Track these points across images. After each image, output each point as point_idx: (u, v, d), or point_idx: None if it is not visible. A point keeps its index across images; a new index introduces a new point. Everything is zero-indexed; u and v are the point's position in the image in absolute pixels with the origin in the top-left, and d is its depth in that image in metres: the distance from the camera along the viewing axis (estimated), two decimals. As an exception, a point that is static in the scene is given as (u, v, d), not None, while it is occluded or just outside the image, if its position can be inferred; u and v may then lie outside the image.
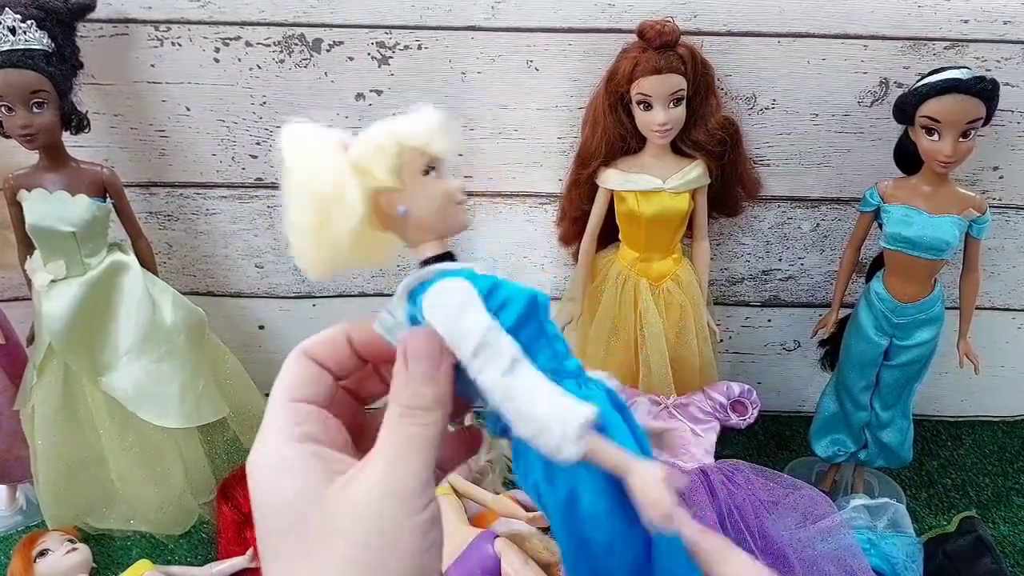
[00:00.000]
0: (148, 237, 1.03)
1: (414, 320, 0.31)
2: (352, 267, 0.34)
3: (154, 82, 1.02)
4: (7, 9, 0.85)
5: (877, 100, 1.01)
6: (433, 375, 0.29)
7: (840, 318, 1.08)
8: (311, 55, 0.99)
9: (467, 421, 0.32)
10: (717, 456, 1.00)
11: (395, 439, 0.28)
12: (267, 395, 1.13)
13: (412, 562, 0.26)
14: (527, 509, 0.96)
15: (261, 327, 1.23)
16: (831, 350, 1.12)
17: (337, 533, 0.26)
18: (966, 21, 0.96)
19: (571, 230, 1.06)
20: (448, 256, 0.33)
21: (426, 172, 0.32)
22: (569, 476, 0.30)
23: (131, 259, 0.99)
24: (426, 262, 0.33)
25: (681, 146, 0.97)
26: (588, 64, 0.99)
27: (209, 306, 1.09)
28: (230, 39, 0.99)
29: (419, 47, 0.99)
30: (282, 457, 0.28)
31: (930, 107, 0.88)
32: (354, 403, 0.33)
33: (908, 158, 0.96)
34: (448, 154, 0.32)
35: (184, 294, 1.04)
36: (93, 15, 0.92)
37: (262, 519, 0.28)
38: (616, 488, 0.29)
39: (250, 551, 1.00)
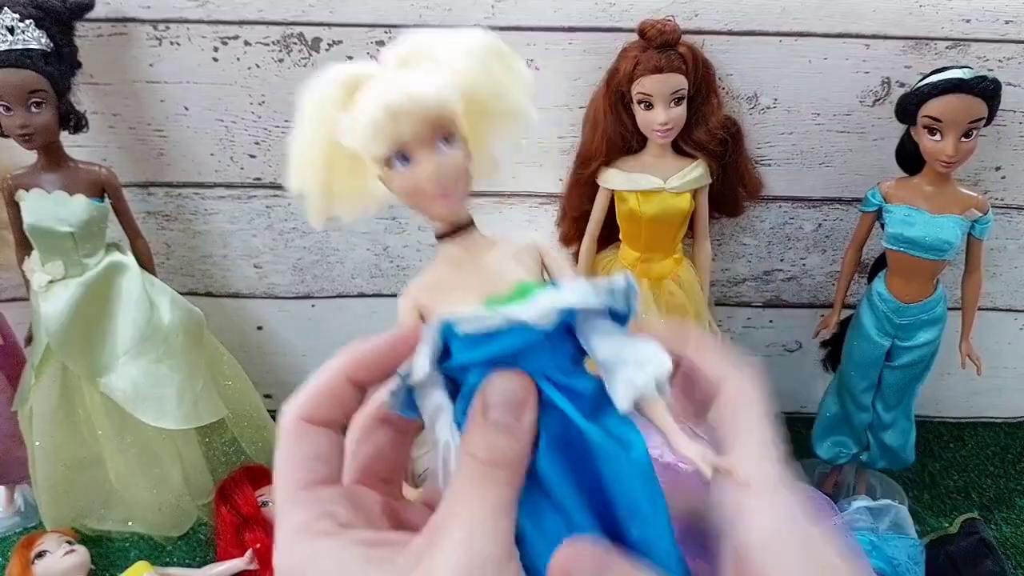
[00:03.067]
0: (146, 237, 1.03)
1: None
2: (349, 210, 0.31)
3: (152, 81, 1.01)
4: (5, 8, 0.85)
5: (879, 100, 1.01)
6: (514, 427, 0.25)
7: (842, 319, 1.08)
8: (310, 54, 0.99)
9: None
10: (718, 457, 0.99)
11: (476, 502, 0.24)
12: (266, 396, 1.12)
13: None
14: None
15: (260, 328, 1.22)
16: (833, 351, 1.11)
17: None
18: (968, 21, 0.96)
19: (571, 230, 1.06)
20: (460, 229, 0.29)
21: (388, 164, 0.28)
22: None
23: (129, 259, 0.99)
24: (440, 237, 0.30)
25: (682, 146, 0.97)
26: (588, 63, 0.98)
27: (207, 306, 1.09)
28: (229, 38, 0.98)
29: (419, 46, 0.98)
30: (312, 558, 0.23)
31: (932, 107, 0.87)
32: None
33: (910, 158, 0.95)
34: (418, 130, 0.27)
35: (182, 294, 1.04)
36: (91, 14, 0.92)
37: None
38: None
39: (249, 552, 0.99)
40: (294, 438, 0.26)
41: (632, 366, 0.27)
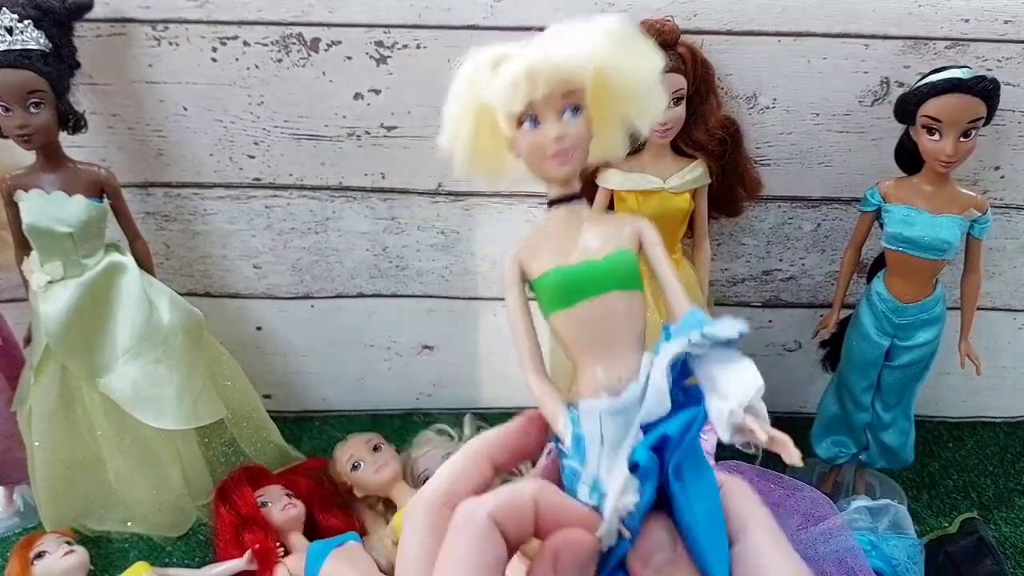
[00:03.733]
0: (145, 237, 1.03)
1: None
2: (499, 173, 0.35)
3: (151, 82, 1.01)
4: (4, 9, 0.85)
5: (878, 99, 1.01)
6: None
7: (841, 319, 1.08)
8: (309, 54, 0.99)
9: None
10: (718, 458, 0.99)
11: None
12: (266, 396, 1.12)
13: None
14: None
15: (259, 328, 1.22)
16: (832, 351, 1.11)
17: None
18: (967, 20, 0.96)
19: (571, 230, 1.06)
20: (569, 198, 0.32)
21: (519, 123, 0.32)
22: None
23: (128, 260, 0.99)
24: (551, 201, 0.33)
25: (681, 146, 0.97)
26: (588, 63, 0.98)
27: (207, 307, 1.09)
28: (228, 38, 0.98)
29: (418, 46, 0.99)
30: None
31: (931, 106, 0.87)
32: None
33: (909, 158, 0.95)
34: (549, 92, 0.30)
35: (182, 295, 1.04)
36: (90, 14, 0.92)
37: None
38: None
39: (248, 553, 0.99)
40: (477, 539, 0.25)
41: (718, 396, 0.29)
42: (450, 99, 0.32)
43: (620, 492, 0.28)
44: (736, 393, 0.28)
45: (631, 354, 0.31)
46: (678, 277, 0.33)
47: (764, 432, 0.27)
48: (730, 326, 0.30)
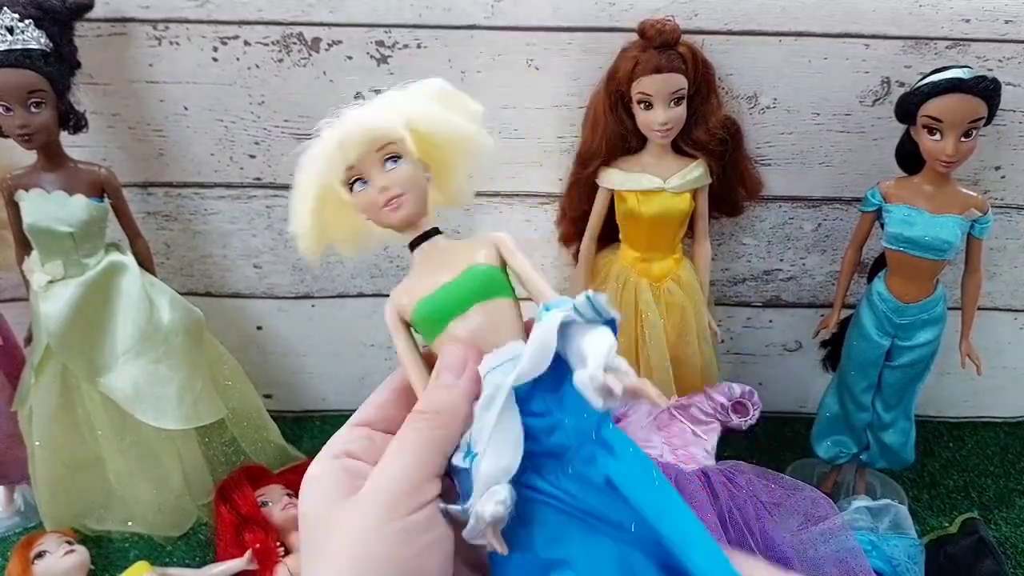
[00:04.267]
0: (146, 237, 1.03)
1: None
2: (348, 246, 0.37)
3: (152, 81, 1.01)
4: (5, 8, 0.85)
5: (879, 99, 1.01)
6: (452, 383, 0.30)
7: (842, 319, 1.08)
8: (310, 54, 0.99)
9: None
10: (718, 457, 0.99)
11: (396, 443, 0.29)
12: (266, 396, 1.13)
13: (392, 564, 0.27)
14: None
15: (259, 328, 1.22)
16: (833, 351, 1.11)
17: (332, 541, 0.27)
18: (967, 20, 0.96)
19: (571, 230, 1.06)
20: (426, 235, 0.35)
21: (351, 189, 0.34)
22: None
23: (129, 259, 0.99)
24: (411, 245, 0.35)
25: (682, 145, 0.97)
26: (588, 63, 0.98)
27: (207, 306, 1.09)
28: (228, 38, 0.98)
29: (418, 46, 0.99)
30: (312, 473, 0.31)
31: (932, 106, 0.87)
32: None
33: (910, 158, 0.95)
34: (361, 152, 0.33)
35: (182, 294, 1.04)
36: (91, 14, 0.92)
37: (299, 528, 0.30)
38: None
39: (248, 553, 0.99)
40: (380, 387, 0.34)
41: (580, 366, 0.30)
42: (295, 198, 0.35)
43: (485, 498, 0.29)
44: (594, 356, 0.29)
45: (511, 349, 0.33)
46: (542, 276, 0.35)
47: (621, 384, 0.29)
48: (608, 303, 0.31)
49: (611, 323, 0.31)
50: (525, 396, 0.31)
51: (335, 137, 0.33)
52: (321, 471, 0.30)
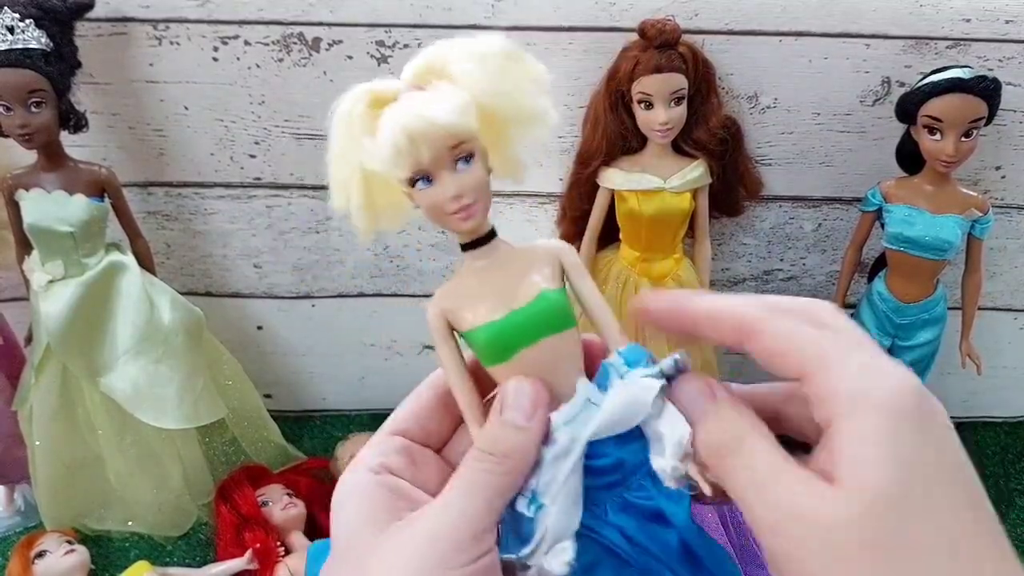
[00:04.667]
0: (146, 237, 1.03)
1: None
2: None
3: (152, 81, 1.01)
4: (5, 8, 0.85)
5: (879, 99, 1.01)
6: (521, 425, 0.28)
7: (842, 318, 1.08)
8: (310, 54, 0.99)
9: None
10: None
11: (459, 482, 0.27)
12: (266, 396, 1.13)
13: None
14: None
15: (260, 327, 1.22)
16: (833, 351, 1.11)
17: (374, 570, 0.25)
18: (968, 20, 0.96)
19: (571, 230, 1.06)
20: (481, 240, 0.31)
21: (412, 184, 0.30)
22: None
23: (129, 259, 0.99)
24: (464, 246, 0.32)
25: (682, 145, 0.97)
26: (588, 63, 0.98)
27: (207, 306, 1.09)
28: (229, 38, 0.98)
29: (419, 46, 0.97)
30: (348, 486, 0.28)
31: (932, 106, 0.87)
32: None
33: (910, 158, 0.95)
34: (436, 152, 0.28)
35: (182, 294, 1.04)
36: (91, 14, 0.92)
37: (332, 543, 0.28)
38: None
39: (248, 552, 0.99)
40: (411, 394, 0.31)
41: (656, 452, 0.29)
42: (330, 157, 0.30)
43: (552, 555, 0.28)
44: (672, 445, 0.28)
45: (575, 384, 0.30)
46: (604, 303, 0.32)
47: (706, 484, 0.28)
48: (682, 360, 0.30)
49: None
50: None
51: (405, 129, 0.28)
52: (359, 485, 0.27)
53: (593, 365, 0.31)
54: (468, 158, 0.29)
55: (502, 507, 0.27)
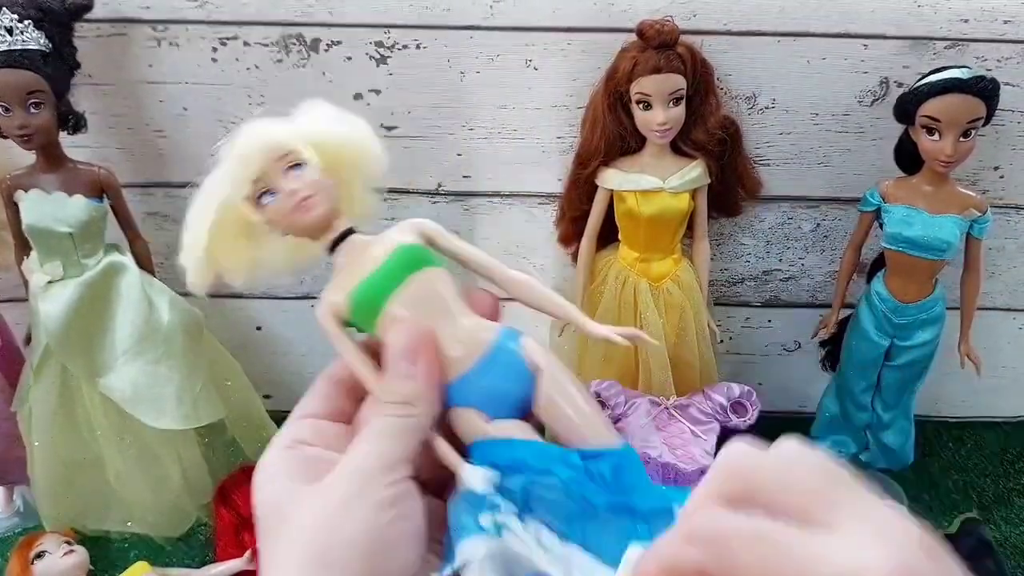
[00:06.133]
0: (145, 238, 1.03)
1: None
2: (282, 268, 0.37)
3: (152, 82, 1.01)
4: (4, 9, 0.85)
5: (877, 99, 1.01)
6: (409, 372, 0.30)
7: (841, 319, 1.08)
8: (309, 55, 0.99)
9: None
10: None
11: (365, 430, 0.29)
12: (265, 396, 1.12)
13: (362, 537, 0.26)
14: None
15: (259, 328, 1.22)
16: (832, 351, 1.12)
17: (298, 516, 0.27)
18: (966, 21, 0.96)
19: (570, 230, 1.06)
20: (342, 237, 0.34)
21: (258, 201, 0.33)
22: None
23: (128, 260, 0.99)
24: (330, 248, 0.35)
25: (681, 146, 0.97)
26: (587, 63, 0.98)
27: (207, 307, 1.09)
28: (228, 39, 0.98)
29: (417, 47, 0.99)
30: (266, 463, 0.30)
31: (930, 106, 0.88)
32: None
33: (909, 158, 0.95)
34: (264, 163, 0.33)
35: (181, 295, 1.04)
36: (90, 15, 0.92)
37: (256, 520, 0.29)
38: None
39: (248, 553, 0.99)
40: (316, 382, 0.33)
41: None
42: (191, 226, 0.35)
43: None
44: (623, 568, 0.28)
45: (456, 319, 0.33)
46: (477, 249, 0.35)
47: None
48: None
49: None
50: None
51: (234, 154, 0.33)
52: (276, 459, 0.30)
53: (484, 315, 0.33)
54: (297, 165, 0.33)
55: (413, 445, 0.29)
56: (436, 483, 0.31)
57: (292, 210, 0.33)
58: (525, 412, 0.32)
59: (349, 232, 0.35)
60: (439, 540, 0.30)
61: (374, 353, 0.33)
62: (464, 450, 0.32)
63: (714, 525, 0.22)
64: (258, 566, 0.29)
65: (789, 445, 0.23)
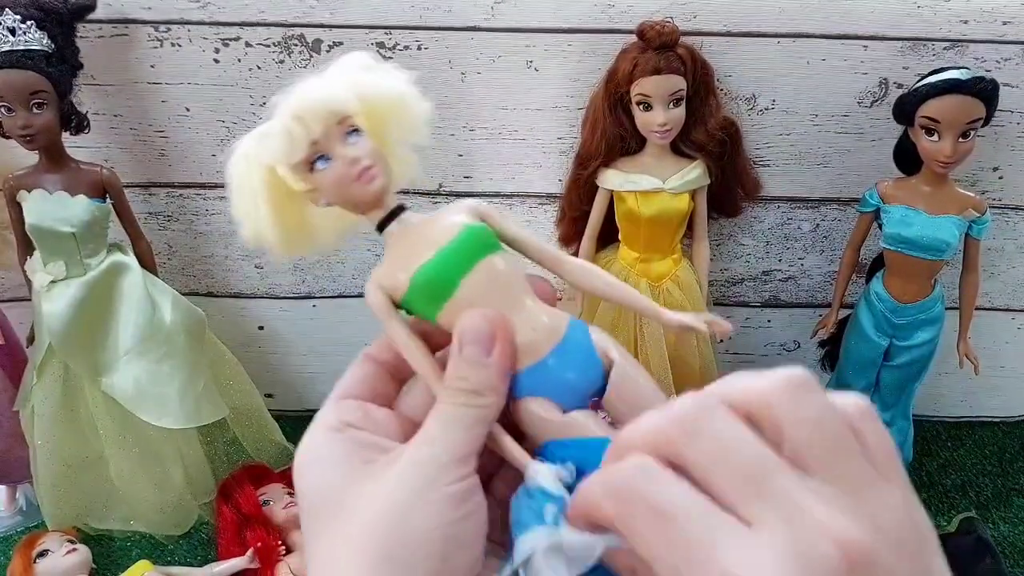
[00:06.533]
0: (148, 238, 1.03)
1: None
2: (319, 242, 0.35)
3: (154, 83, 1.02)
4: (7, 9, 0.85)
5: (877, 100, 1.01)
6: (483, 360, 0.28)
7: (840, 319, 1.08)
8: (311, 55, 0.99)
9: None
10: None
11: (435, 419, 0.28)
12: (267, 396, 1.13)
13: (433, 534, 0.25)
14: None
15: (261, 328, 1.23)
16: (831, 351, 1.12)
17: (360, 508, 0.26)
18: (966, 22, 0.96)
19: (571, 230, 1.06)
20: (392, 215, 0.32)
21: (310, 168, 0.31)
22: None
23: (131, 260, 0.99)
24: (379, 226, 0.32)
25: (681, 146, 0.97)
26: (588, 64, 0.99)
27: (209, 306, 1.09)
28: (230, 39, 0.99)
29: (419, 47, 0.99)
30: (313, 445, 0.28)
31: (930, 107, 0.88)
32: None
33: (908, 158, 0.96)
34: (325, 126, 0.31)
35: (184, 294, 1.04)
36: (93, 15, 0.92)
37: (301, 506, 0.28)
38: None
39: (250, 552, 1.00)
40: (351, 365, 0.32)
41: None
42: (235, 193, 0.33)
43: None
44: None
45: (527, 305, 0.31)
46: (531, 234, 0.33)
47: None
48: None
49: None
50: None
51: (292, 113, 0.31)
52: (323, 442, 0.28)
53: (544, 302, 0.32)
54: (356, 131, 0.31)
55: (482, 434, 0.28)
56: (484, 477, 0.29)
57: (352, 179, 0.31)
58: (592, 403, 0.31)
59: (401, 209, 0.32)
60: (491, 539, 0.29)
61: (423, 336, 0.31)
62: (524, 442, 0.30)
63: (630, 484, 0.22)
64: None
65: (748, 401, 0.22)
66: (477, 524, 0.26)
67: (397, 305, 0.32)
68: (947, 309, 1.01)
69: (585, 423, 0.29)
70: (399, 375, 0.31)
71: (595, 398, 0.31)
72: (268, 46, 0.99)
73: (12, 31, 0.86)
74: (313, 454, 0.28)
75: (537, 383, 0.30)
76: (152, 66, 1.00)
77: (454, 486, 0.26)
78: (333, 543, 0.26)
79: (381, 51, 0.99)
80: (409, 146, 0.34)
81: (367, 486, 0.26)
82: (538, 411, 0.29)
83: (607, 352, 0.30)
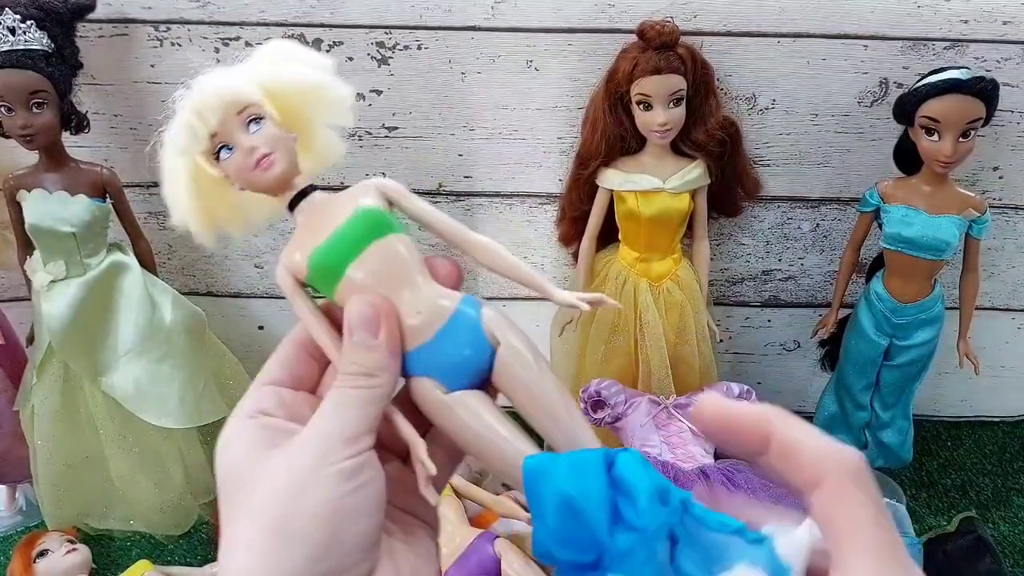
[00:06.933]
0: (148, 237, 1.03)
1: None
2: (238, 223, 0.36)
3: (154, 82, 1.02)
4: (7, 9, 0.85)
5: (877, 100, 1.01)
6: (371, 343, 0.30)
7: (840, 318, 1.08)
8: (311, 55, 0.99)
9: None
10: (717, 456, 1.00)
11: (329, 400, 0.29)
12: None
13: (323, 507, 0.27)
14: (526, 509, 0.96)
15: (261, 327, 1.23)
16: (831, 350, 1.12)
17: (259, 486, 0.27)
18: (966, 21, 0.96)
19: (571, 230, 1.06)
20: (303, 194, 0.33)
21: (216, 157, 0.32)
22: None
23: (131, 259, 0.99)
24: (289, 206, 0.34)
25: (681, 146, 0.97)
26: (588, 64, 0.99)
27: (209, 306, 1.09)
28: (230, 39, 0.99)
29: (419, 47, 0.99)
30: (227, 434, 0.30)
31: (930, 107, 0.88)
32: None
33: (908, 158, 0.96)
34: (221, 117, 0.32)
35: (184, 294, 1.04)
36: (93, 15, 0.92)
37: (218, 491, 0.29)
38: None
39: (250, 551, 1.00)
40: (280, 346, 0.33)
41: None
42: (163, 181, 0.34)
43: None
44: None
45: (419, 286, 0.32)
46: (438, 211, 0.34)
47: None
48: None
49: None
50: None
51: (191, 107, 0.32)
52: (237, 430, 0.30)
53: (446, 283, 0.33)
54: (257, 119, 0.32)
55: (376, 414, 0.29)
56: (401, 448, 0.31)
57: (250, 168, 0.32)
58: (483, 382, 0.31)
59: (310, 189, 0.34)
60: (400, 507, 0.31)
61: (334, 317, 0.32)
62: (423, 419, 0.31)
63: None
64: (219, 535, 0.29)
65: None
66: (370, 497, 0.28)
67: (304, 284, 0.33)
68: (947, 309, 1.01)
69: (467, 399, 0.30)
70: (320, 355, 0.33)
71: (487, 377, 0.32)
72: (268, 46, 0.99)
73: (12, 31, 0.86)
74: (226, 441, 0.30)
75: (425, 363, 0.31)
76: (152, 66, 1.00)
77: (346, 463, 0.27)
78: (237, 521, 0.28)
79: (381, 51, 0.99)
80: (324, 127, 0.35)
81: (268, 466, 0.28)
82: (421, 390, 0.31)
83: (494, 332, 0.31)
